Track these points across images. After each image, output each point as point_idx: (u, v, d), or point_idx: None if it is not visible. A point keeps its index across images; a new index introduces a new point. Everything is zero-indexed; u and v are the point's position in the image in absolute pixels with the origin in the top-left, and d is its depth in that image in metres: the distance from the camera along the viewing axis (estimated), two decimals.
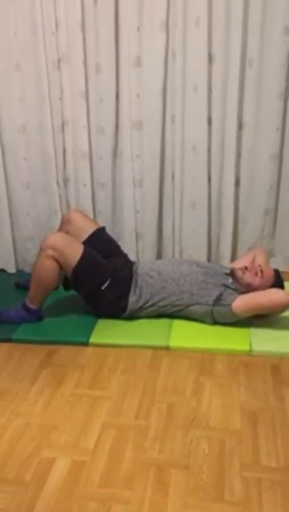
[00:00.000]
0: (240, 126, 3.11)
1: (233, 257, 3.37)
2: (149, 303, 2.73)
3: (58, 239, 2.65)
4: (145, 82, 3.08)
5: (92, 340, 2.61)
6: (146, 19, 2.95)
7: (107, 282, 2.68)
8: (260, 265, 2.80)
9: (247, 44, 2.95)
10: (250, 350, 2.51)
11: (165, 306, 2.74)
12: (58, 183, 3.32)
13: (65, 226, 2.93)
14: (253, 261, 2.90)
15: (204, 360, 2.47)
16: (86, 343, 2.60)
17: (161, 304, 2.73)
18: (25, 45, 3.06)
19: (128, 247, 3.27)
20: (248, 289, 2.70)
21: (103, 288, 2.68)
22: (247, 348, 2.52)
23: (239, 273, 2.75)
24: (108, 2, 2.94)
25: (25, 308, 2.73)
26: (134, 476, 1.79)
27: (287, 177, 3.22)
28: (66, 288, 2.79)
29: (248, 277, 2.72)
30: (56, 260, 2.60)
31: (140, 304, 2.73)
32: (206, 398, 2.19)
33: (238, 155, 3.17)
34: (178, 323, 2.74)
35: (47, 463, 1.84)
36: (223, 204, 3.28)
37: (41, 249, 2.63)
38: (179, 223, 3.35)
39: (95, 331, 2.68)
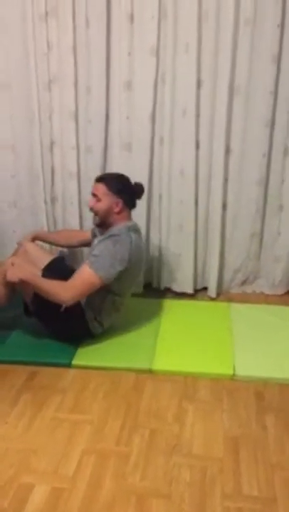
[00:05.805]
0: (227, 151, 3.13)
1: (220, 280, 3.39)
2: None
3: (16, 272, 2.49)
4: (135, 105, 3.10)
5: (74, 362, 2.59)
6: (137, 44, 2.99)
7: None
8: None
9: (235, 71, 2.98)
10: (234, 375, 2.50)
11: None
12: (45, 202, 3.32)
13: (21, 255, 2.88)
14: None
15: (187, 384, 2.45)
16: (69, 365, 2.58)
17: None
18: (17, 65, 3.08)
19: None
20: None
21: (62, 310, 2.57)
22: (230, 372, 2.52)
23: None
24: (100, 27, 2.97)
25: None
26: (114, 504, 1.76)
27: (272, 201, 3.25)
28: (28, 315, 2.74)
29: None
30: (13, 285, 2.57)
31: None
32: (189, 424, 2.17)
33: (225, 180, 3.19)
34: (162, 345, 2.73)
35: (25, 489, 1.81)
36: (209, 227, 3.30)
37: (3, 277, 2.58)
38: (165, 245, 3.35)
39: (78, 353, 2.66)
